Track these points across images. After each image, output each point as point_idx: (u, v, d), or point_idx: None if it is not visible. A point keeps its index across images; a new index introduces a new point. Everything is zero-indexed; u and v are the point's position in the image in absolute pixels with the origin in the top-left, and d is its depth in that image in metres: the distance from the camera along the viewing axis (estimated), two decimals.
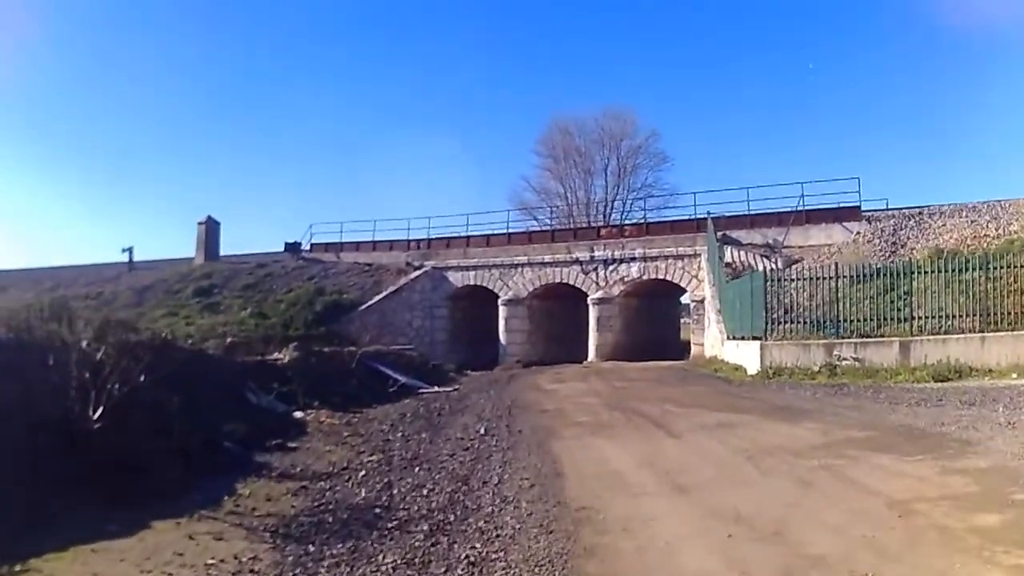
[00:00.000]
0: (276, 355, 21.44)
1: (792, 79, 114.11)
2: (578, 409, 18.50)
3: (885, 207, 38.39)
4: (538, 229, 53.08)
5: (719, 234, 37.01)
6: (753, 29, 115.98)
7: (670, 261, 39.93)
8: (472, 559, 7.58)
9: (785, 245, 37.26)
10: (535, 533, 8.30)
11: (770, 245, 37.72)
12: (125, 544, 8.33)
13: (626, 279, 40.98)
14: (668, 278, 40.34)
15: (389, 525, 8.96)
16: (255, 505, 10.06)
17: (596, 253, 41.98)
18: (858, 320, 24.94)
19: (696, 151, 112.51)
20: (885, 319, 24.56)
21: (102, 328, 12.85)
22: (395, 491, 10.63)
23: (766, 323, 25.78)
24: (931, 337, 22.91)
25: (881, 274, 25.61)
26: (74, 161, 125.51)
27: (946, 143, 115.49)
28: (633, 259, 40.77)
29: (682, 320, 55.00)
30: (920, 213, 35.44)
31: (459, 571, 7.31)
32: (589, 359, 40.66)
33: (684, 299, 46.14)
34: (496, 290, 44.55)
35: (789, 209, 38.31)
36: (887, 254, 32.56)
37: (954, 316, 23.50)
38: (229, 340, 33.69)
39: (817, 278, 26.42)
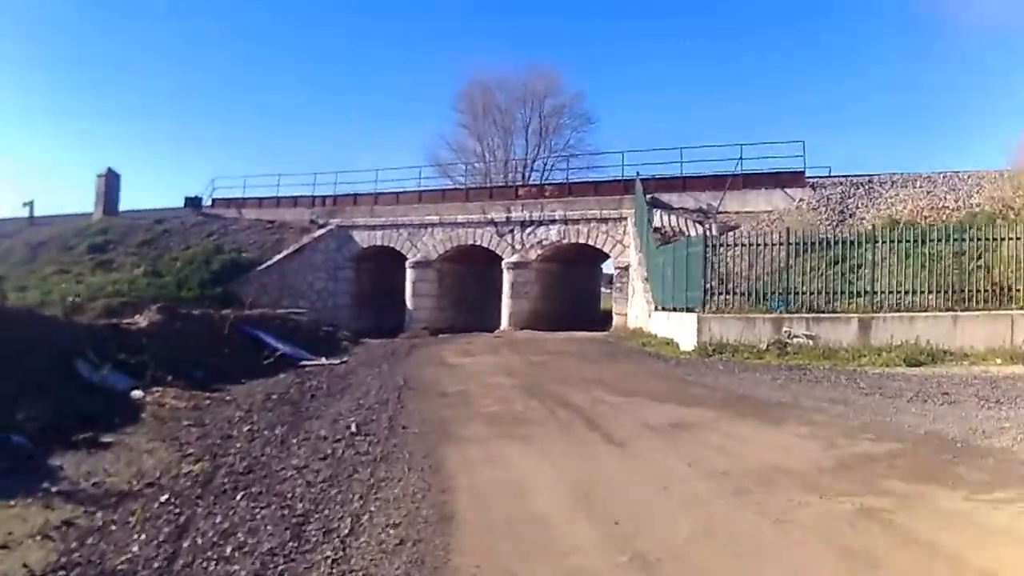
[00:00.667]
0: (135, 319, 17.87)
1: (728, 37, 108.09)
2: (486, 393, 14.76)
3: (828, 174, 35.32)
4: (452, 187, 48.86)
5: (648, 197, 34.12)
6: None
7: (593, 225, 36.86)
8: None
9: (720, 211, 34.23)
10: None
11: (704, 210, 34.51)
12: None
13: (544, 243, 37.81)
14: (590, 243, 37.23)
15: None
16: None
17: (513, 214, 38.73)
18: (809, 293, 21.95)
19: (625, 114, 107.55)
20: (838, 293, 21.63)
21: None
22: (185, 544, 6.63)
23: (705, 294, 22.75)
24: (895, 315, 20.05)
25: (834, 243, 23.09)
26: None
27: (891, 112, 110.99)
28: (553, 222, 37.63)
29: (603, 289, 51.94)
30: (869, 181, 32.65)
31: None
32: (502, 327, 37.51)
33: (607, 266, 43.76)
34: (404, 251, 41.04)
35: (726, 172, 35.18)
36: (834, 223, 29.26)
37: (916, 292, 20.72)
38: (70, 300, 30.51)
39: (762, 244, 23.48)
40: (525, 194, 41.14)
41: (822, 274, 22.64)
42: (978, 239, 20.72)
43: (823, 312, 21.26)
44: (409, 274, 40.28)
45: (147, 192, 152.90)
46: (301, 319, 26.00)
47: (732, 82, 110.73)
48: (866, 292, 21.33)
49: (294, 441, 10.64)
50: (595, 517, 7.01)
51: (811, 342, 20.38)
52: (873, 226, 25.51)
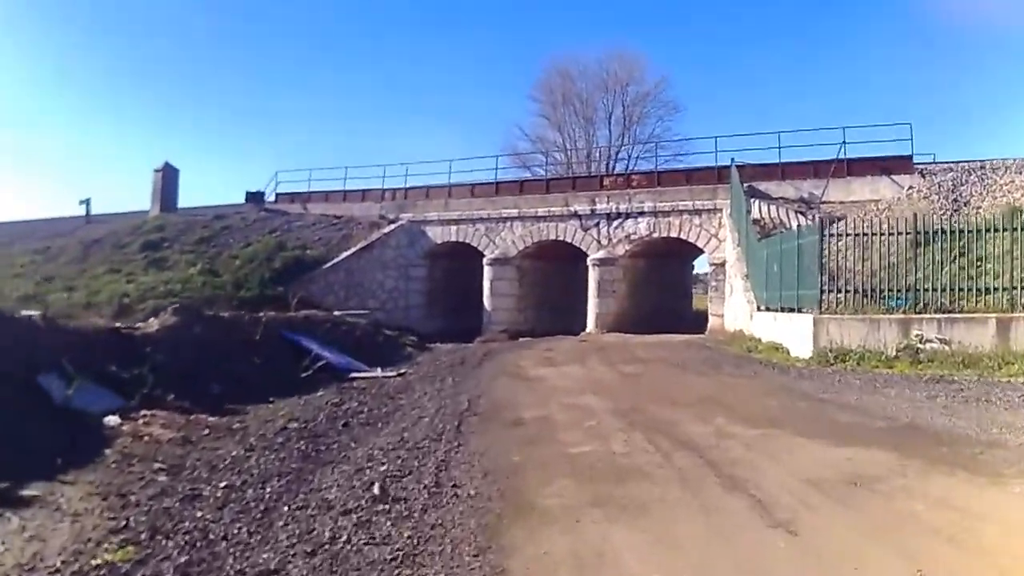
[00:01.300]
0: (148, 322, 15.34)
1: (824, 16, 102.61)
2: (573, 422, 11.33)
3: (933, 160, 32.28)
4: (531, 178, 46.08)
5: (744, 186, 30.98)
6: None
7: (685, 217, 33.84)
8: None
9: (823, 200, 31.17)
10: None
11: (805, 200, 31.44)
12: None
13: (632, 237, 34.92)
14: (682, 236, 34.14)
15: None
16: None
17: (598, 206, 35.85)
18: (935, 290, 18.77)
19: (712, 102, 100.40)
20: (966, 289, 18.48)
21: None
22: None
23: (821, 292, 19.67)
24: None
25: (960, 233, 19.66)
26: (31, 106, 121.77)
27: (1004, 93, 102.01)
28: (641, 214, 34.72)
29: (693, 287, 49.38)
30: (982, 167, 29.32)
31: None
32: (588, 330, 34.64)
33: (699, 263, 41.62)
34: (481, 248, 38.40)
35: (828, 159, 31.97)
36: (947, 212, 27.18)
37: None
38: (117, 301, 29.26)
39: (884, 234, 20.16)
40: (611, 184, 38.26)
41: (945, 268, 19.35)
42: None
43: (953, 312, 18.26)
44: (487, 272, 37.79)
45: (208, 188, 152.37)
46: (358, 322, 23.22)
47: (824, 65, 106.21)
48: (1004, 288, 18.26)
49: (285, 509, 7.18)
50: None
51: (946, 347, 18.00)
52: (993, 215, 22.79)
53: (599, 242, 35.64)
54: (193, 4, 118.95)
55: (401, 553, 5.99)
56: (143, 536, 6.51)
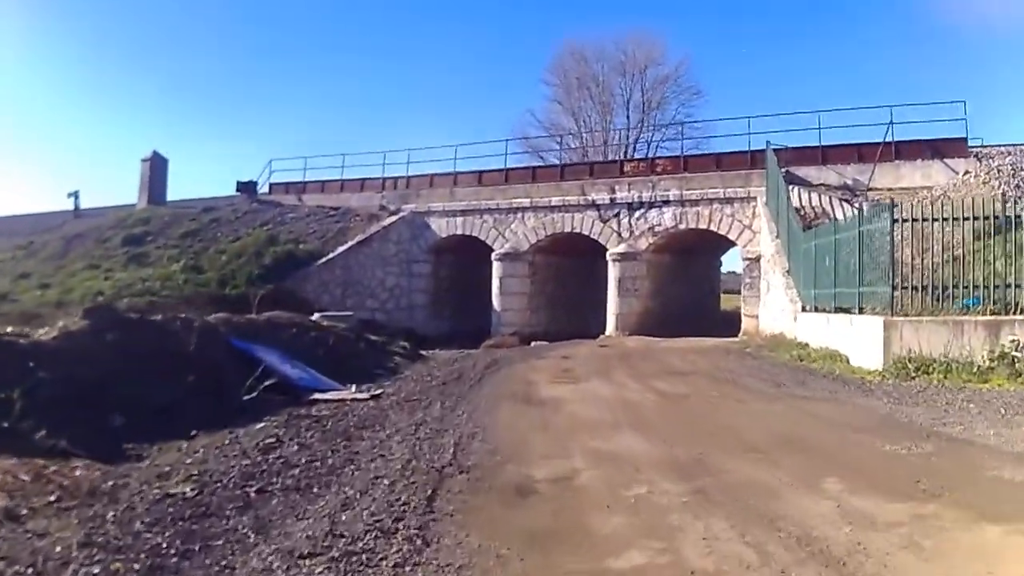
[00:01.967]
0: (45, 329, 11.77)
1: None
2: (610, 491, 7.41)
3: (981, 144, 28.86)
4: (544, 165, 42.34)
5: (782, 171, 27.77)
6: None
7: (715, 206, 30.67)
8: None
9: (870, 186, 28.12)
10: None
11: (849, 186, 28.37)
12: None
13: (656, 229, 31.75)
14: (712, 228, 30.98)
15: None
16: None
17: (618, 195, 32.71)
18: (1018, 286, 15.72)
19: (736, 86, 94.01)
20: None
21: None
22: None
23: (894, 289, 16.41)
24: None
25: None
26: (18, 95, 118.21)
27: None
28: (666, 203, 31.59)
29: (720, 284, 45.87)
30: None
31: None
32: (607, 332, 31.51)
33: (728, 258, 39.32)
34: (490, 241, 35.32)
35: (874, 141, 28.83)
36: (1011, 200, 24.66)
37: None
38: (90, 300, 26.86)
39: (960, 219, 16.92)
40: (632, 170, 34.87)
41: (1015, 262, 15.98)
42: None
43: None
44: (496, 268, 34.67)
45: (202, 180, 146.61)
46: (336, 325, 19.86)
47: (853, 51, 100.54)
48: None
49: None
50: None
51: None
52: None
53: (619, 235, 32.49)
54: None
55: None
56: None
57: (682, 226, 31.49)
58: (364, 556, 5.67)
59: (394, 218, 37.23)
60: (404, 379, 16.50)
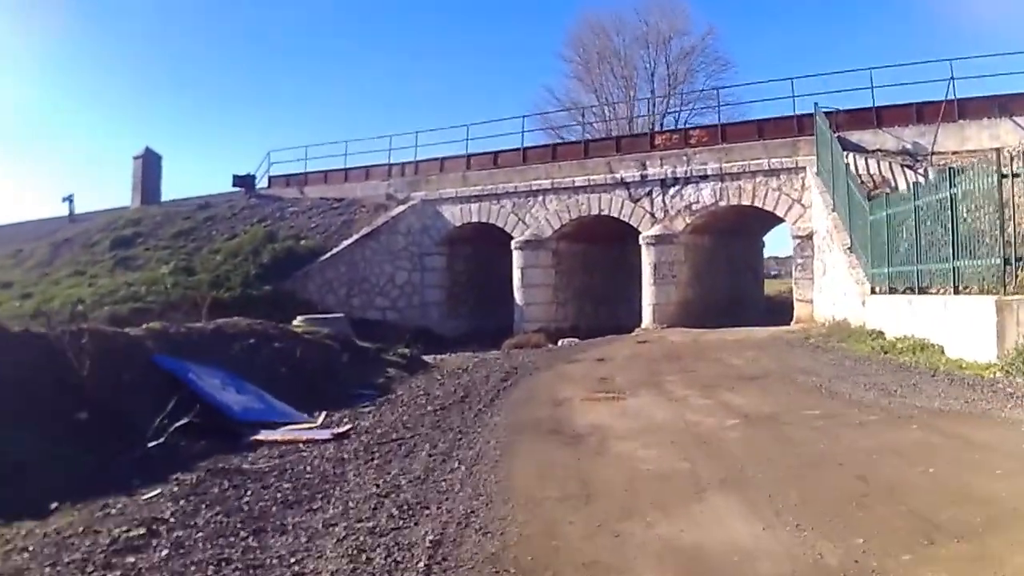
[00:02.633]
0: None
1: None
2: None
3: None
4: (565, 141, 38.86)
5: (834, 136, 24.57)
6: None
7: (760, 179, 27.45)
8: None
9: (934, 150, 24.81)
10: None
11: (909, 151, 25.23)
12: None
13: (694, 207, 28.62)
14: (757, 204, 27.75)
15: None
16: None
17: (650, 171, 29.42)
18: None
19: (770, 54, 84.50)
20: None
21: None
22: None
23: (1005, 262, 13.19)
24: None
25: None
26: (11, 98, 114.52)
27: None
28: (704, 178, 28.41)
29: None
30: None
31: None
32: (643, 325, 28.27)
33: (770, 237, 36.35)
34: (508, 228, 32.17)
35: (934, 100, 25.74)
36: None
37: None
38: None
39: None
40: (664, 143, 31.41)
41: None
42: None
43: None
44: (516, 258, 31.55)
45: (200, 178, 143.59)
46: (320, 330, 16.68)
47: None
48: None
49: None
50: None
51: None
52: None
53: (653, 215, 29.23)
54: None
55: None
56: None
57: (722, 203, 28.24)
58: None
59: (402, 207, 34.11)
60: (393, 402, 13.02)
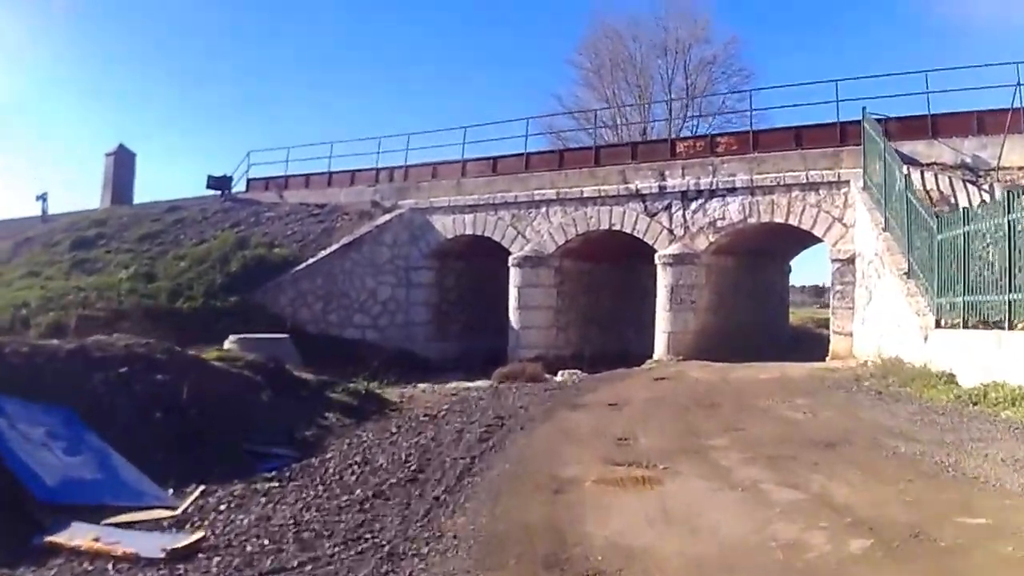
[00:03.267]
0: None
1: None
2: None
3: None
4: (574, 147, 35.13)
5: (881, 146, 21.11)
6: None
7: (796, 193, 23.92)
8: None
9: (1000, 165, 21.44)
10: None
11: (968, 165, 21.95)
12: None
13: (719, 224, 25.09)
14: (791, 221, 24.14)
15: None
16: None
17: (669, 182, 25.87)
18: None
19: (790, 67, 79.24)
20: None
21: None
22: None
23: None
24: None
25: None
26: None
27: None
28: (732, 191, 24.91)
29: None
30: None
31: None
32: (656, 356, 24.68)
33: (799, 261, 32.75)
34: (506, 243, 28.47)
35: (998, 108, 22.25)
36: None
37: None
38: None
39: None
40: (687, 151, 27.63)
41: None
42: None
43: None
44: (514, 276, 27.84)
45: (180, 181, 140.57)
46: (243, 357, 12.90)
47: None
48: None
49: None
50: None
51: None
52: None
53: (671, 232, 25.58)
54: None
55: None
56: None
57: (752, 220, 24.52)
58: None
59: (389, 216, 30.38)
60: (311, 474, 8.87)
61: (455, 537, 6.42)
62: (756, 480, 8.12)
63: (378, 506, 7.29)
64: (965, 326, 14.85)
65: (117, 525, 6.52)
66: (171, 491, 7.51)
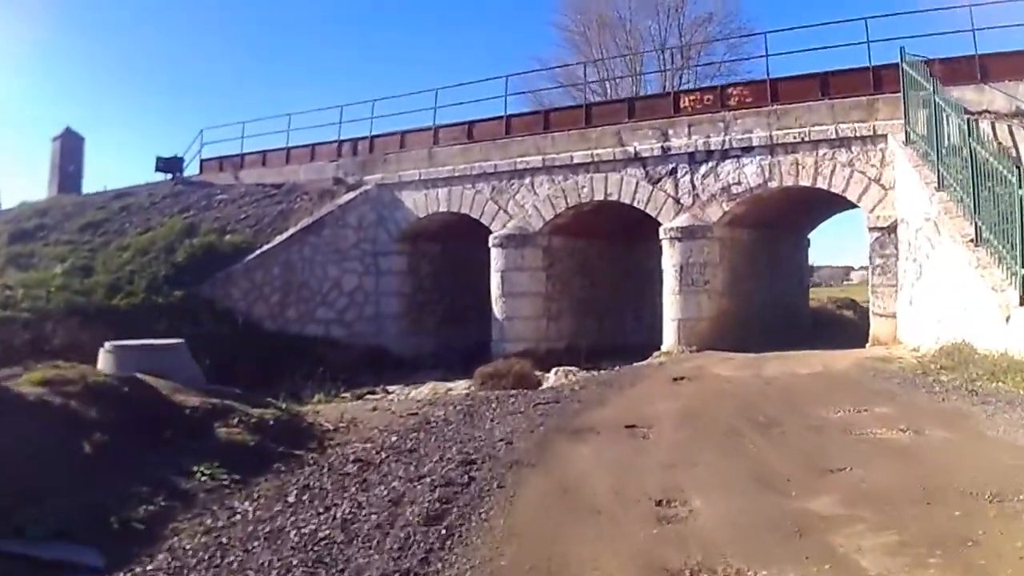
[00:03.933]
0: None
1: None
2: None
3: None
4: (563, 106, 30.08)
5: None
6: None
7: (823, 151, 20.02)
8: None
9: None
10: None
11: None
12: None
13: (735, 190, 21.24)
14: (820, 184, 20.24)
15: None
16: None
17: (674, 142, 21.98)
18: None
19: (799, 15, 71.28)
20: None
21: None
22: None
23: None
24: None
25: None
26: None
27: None
28: (748, 150, 21.00)
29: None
30: None
31: None
32: (666, 347, 20.77)
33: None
34: (486, 220, 24.60)
35: None
36: None
37: None
38: None
39: None
40: (693, 105, 23.39)
41: None
42: None
43: None
44: (496, 258, 23.91)
45: (140, 167, 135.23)
46: (101, 377, 8.68)
47: None
48: None
49: None
50: None
51: None
52: None
53: (678, 201, 21.71)
54: None
55: None
56: None
57: (773, 184, 20.57)
58: None
59: (353, 194, 26.53)
60: None
61: None
62: None
63: None
64: None
65: None
66: None
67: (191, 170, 34.25)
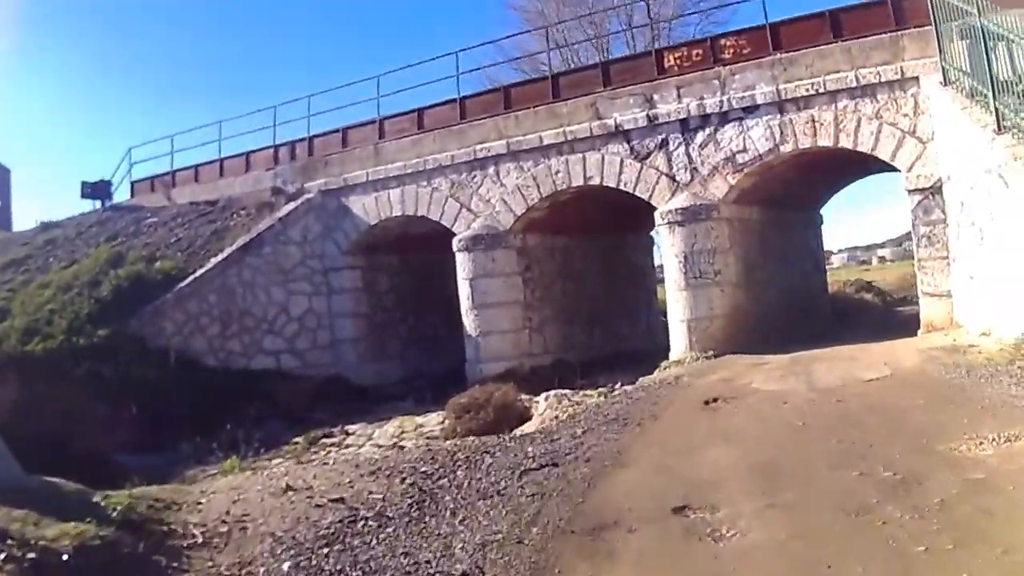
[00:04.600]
0: None
1: None
2: None
3: None
4: (526, 79, 26.28)
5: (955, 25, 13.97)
6: None
7: (843, 103, 16.35)
8: None
9: None
10: None
11: None
12: None
13: (741, 159, 17.50)
14: (843, 144, 16.48)
15: None
16: None
17: (661, 108, 18.26)
18: None
19: None
20: None
21: None
22: None
23: None
24: None
25: None
26: None
27: None
28: (753, 109, 17.29)
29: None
30: None
31: None
32: (676, 355, 17.04)
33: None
34: (447, 221, 20.95)
35: None
36: None
37: None
38: None
39: None
40: (680, 63, 19.56)
41: None
42: None
43: None
44: (462, 264, 20.20)
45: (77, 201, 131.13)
46: None
47: None
48: None
49: None
50: None
51: None
52: None
53: (672, 178, 17.91)
54: None
55: None
56: None
57: (786, 147, 16.76)
58: None
59: (293, 205, 22.78)
60: None
61: None
62: None
63: None
64: None
65: None
66: None
67: (122, 194, 30.11)
